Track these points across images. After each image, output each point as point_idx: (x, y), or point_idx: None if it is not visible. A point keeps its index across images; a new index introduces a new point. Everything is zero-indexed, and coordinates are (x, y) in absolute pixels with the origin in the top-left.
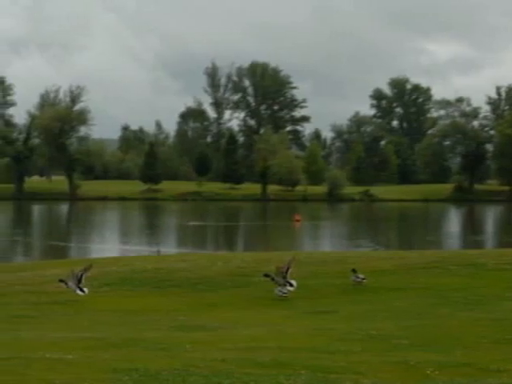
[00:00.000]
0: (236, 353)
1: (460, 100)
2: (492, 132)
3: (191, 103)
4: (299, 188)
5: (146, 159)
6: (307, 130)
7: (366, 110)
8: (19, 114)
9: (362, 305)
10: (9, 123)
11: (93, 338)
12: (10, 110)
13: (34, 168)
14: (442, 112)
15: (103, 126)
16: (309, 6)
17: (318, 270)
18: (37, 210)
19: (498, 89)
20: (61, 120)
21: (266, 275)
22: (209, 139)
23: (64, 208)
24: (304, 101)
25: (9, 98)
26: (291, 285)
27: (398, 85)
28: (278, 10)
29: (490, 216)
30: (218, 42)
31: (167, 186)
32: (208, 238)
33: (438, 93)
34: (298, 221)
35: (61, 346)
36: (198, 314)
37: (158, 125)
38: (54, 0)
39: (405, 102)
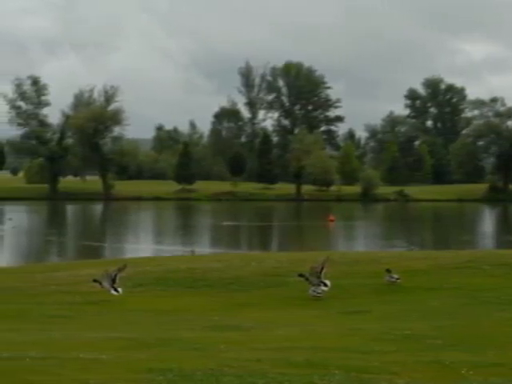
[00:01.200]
0: (270, 353)
1: (494, 100)
2: None
3: (225, 103)
4: (333, 188)
5: (179, 159)
6: (341, 129)
7: (400, 109)
8: (53, 114)
9: (396, 305)
10: (43, 123)
11: (127, 337)
12: (45, 110)
13: (68, 168)
14: (476, 112)
15: (137, 126)
16: (342, 6)
17: (351, 270)
18: (71, 210)
19: None
20: (95, 120)
21: (301, 275)
22: (243, 139)
23: (98, 208)
24: (338, 101)
25: (43, 97)
26: (325, 285)
27: (432, 85)
28: (312, 11)
29: None
30: (251, 41)
31: (201, 186)
32: (242, 238)
33: (473, 93)
34: (331, 221)
35: (95, 346)
36: (232, 314)
37: (192, 125)
38: (88, 0)
39: (439, 101)
